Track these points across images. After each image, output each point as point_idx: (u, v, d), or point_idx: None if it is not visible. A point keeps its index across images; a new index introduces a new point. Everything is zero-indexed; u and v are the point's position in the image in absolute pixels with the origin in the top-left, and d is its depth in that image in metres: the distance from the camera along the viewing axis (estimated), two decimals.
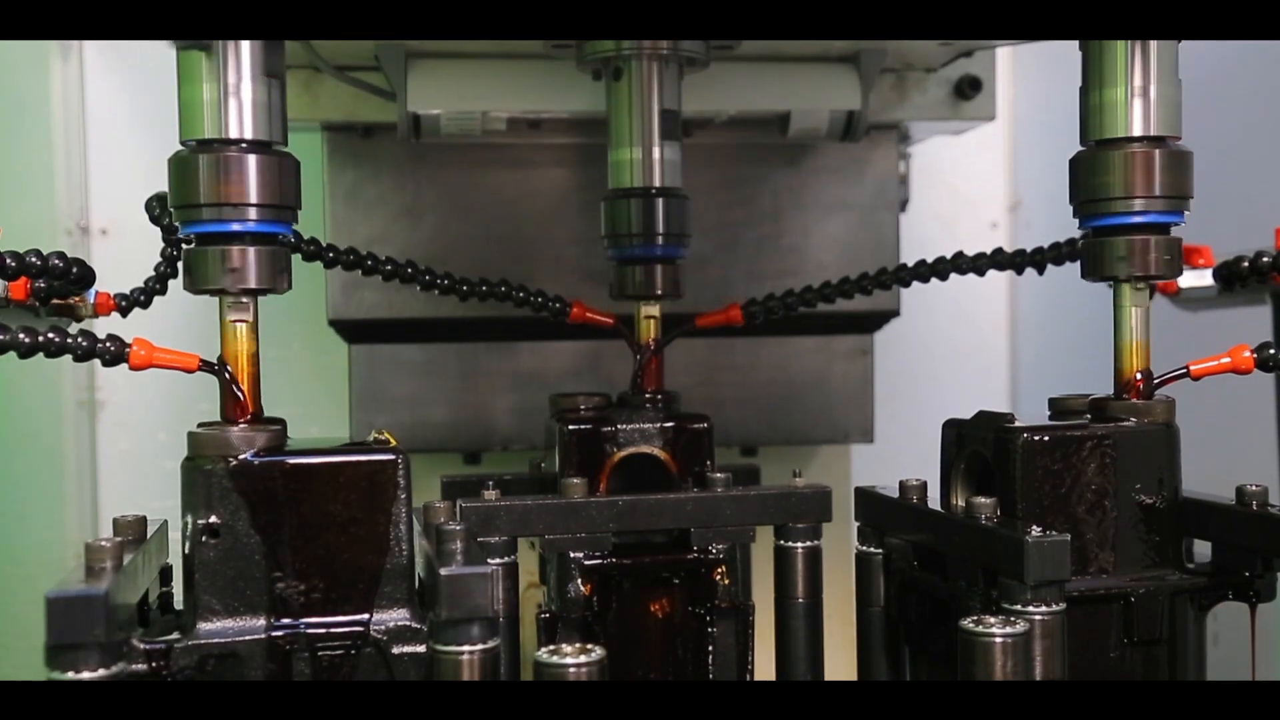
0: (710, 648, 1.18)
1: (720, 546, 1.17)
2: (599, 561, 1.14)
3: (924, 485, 1.14)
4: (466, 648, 0.84)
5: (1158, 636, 1.03)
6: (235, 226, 0.94)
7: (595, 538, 1.13)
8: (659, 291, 1.31)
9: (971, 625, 0.89)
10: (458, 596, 0.84)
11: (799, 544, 1.16)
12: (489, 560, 1.06)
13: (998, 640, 0.88)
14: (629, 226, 1.29)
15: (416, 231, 1.62)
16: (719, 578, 1.17)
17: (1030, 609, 0.92)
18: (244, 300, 0.96)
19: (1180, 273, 1.10)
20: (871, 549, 1.18)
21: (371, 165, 1.61)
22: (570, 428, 1.22)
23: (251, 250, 0.95)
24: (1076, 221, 1.40)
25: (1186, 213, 1.08)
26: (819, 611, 1.18)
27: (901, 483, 1.14)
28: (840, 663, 1.28)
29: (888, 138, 1.69)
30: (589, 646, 0.83)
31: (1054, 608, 0.93)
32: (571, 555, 1.14)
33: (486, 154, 1.62)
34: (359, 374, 1.65)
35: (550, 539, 1.13)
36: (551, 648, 0.83)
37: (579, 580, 1.14)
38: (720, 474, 1.18)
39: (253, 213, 0.94)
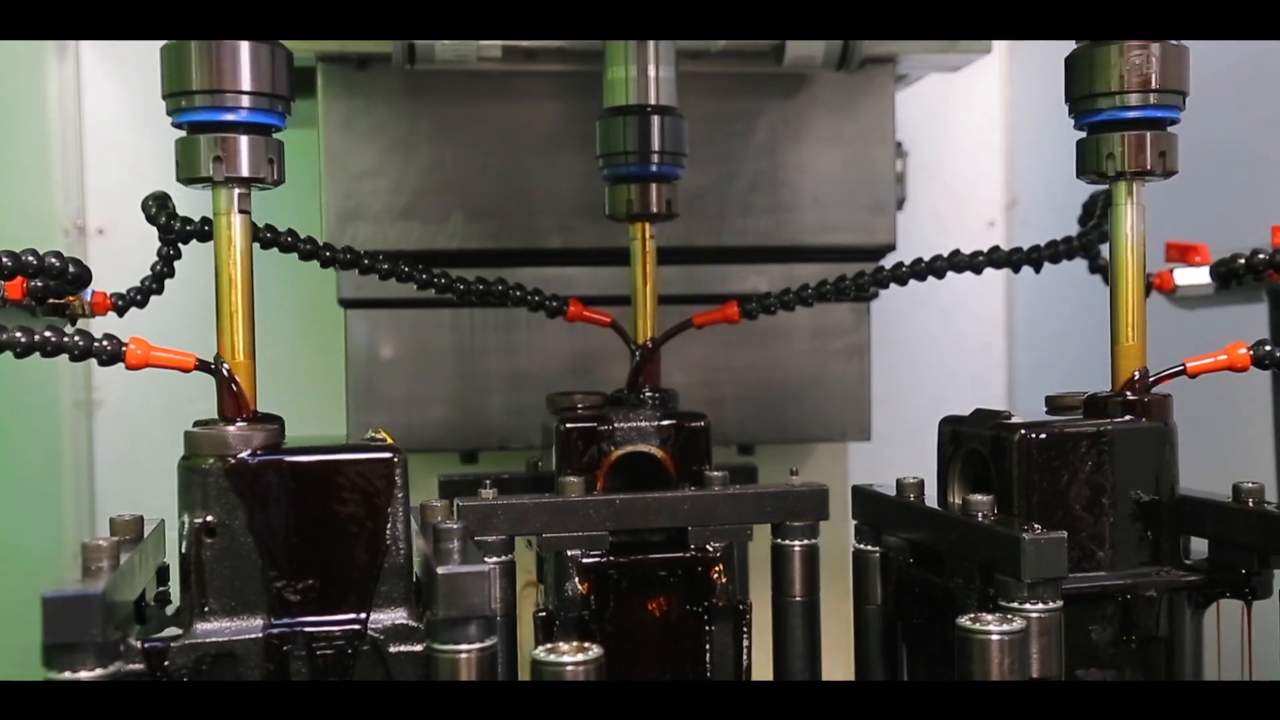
0: (708, 647, 1.18)
1: (717, 545, 1.17)
2: (596, 560, 1.14)
3: (921, 483, 1.14)
4: (464, 646, 0.84)
5: (1155, 634, 1.03)
6: (228, 116, 0.94)
7: (592, 536, 1.13)
8: (655, 209, 1.30)
9: (969, 623, 0.89)
10: (454, 595, 0.84)
11: (796, 542, 1.16)
12: (486, 559, 1.06)
13: (994, 638, 0.88)
14: (624, 144, 1.28)
15: (411, 163, 1.61)
16: (716, 576, 1.17)
17: (1027, 607, 0.92)
18: (237, 192, 0.95)
19: (1175, 170, 1.08)
20: (868, 547, 1.18)
21: (366, 97, 1.60)
22: (567, 426, 1.22)
23: (244, 139, 0.94)
24: (1074, 219, 1.40)
25: (1181, 110, 1.07)
26: (816, 610, 1.18)
27: (898, 481, 1.14)
28: (838, 661, 1.28)
29: (883, 72, 1.68)
30: (586, 645, 0.83)
31: (1051, 605, 0.93)
32: (569, 554, 1.14)
33: (482, 85, 1.61)
34: (356, 373, 1.65)
35: (547, 538, 1.13)
36: (549, 646, 0.83)
37: (576, 579, 1.14)
38: (717, 472, 1.18)
39: (245, 100, 0.93)
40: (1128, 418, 1.06)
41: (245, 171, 0.94)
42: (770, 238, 1.66)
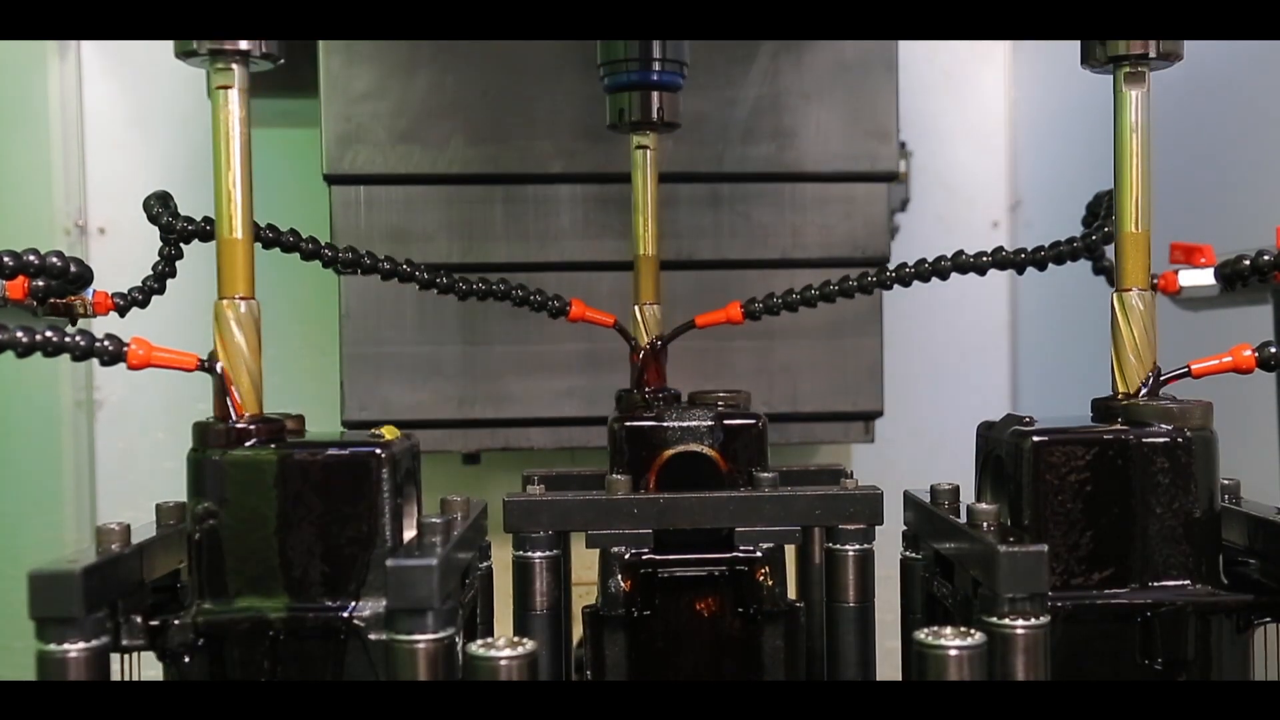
0: (758, 648, 1.17)
1: (765, 546, 1.14)
2: (640, 558, 1.13)
3: (956, 489, 1.08)
4: (418, 637, 0.85)
5: (1184, 658, 0.96)
6: None
7: (636, 534, 1.12)
8: (655, 118, 1.28)
9: (926, 638, 0.84)
10: (400, 587, 0.85)
11: (849, 547, 1.14)
12: (533, 553, 1.10)
13: (952, 654, 0.83)
14: (624, 51, 1.27)
15: (410, 89, 1.59)
16: (762, 578, 1.15)
17: (1006, 622, 0.87)
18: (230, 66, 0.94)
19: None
20: (915, 555, 1.14)
21: None
22: (619, 424, 1.21)
23: None
24: (1078, 220, 1.40)
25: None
26: (870, 616, 1.15)
27: (933, 487, 1.09)
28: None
29: None
30: (521, 640, 0.84)
31: (1035, 622, 0.87)
32: (612, 551, 1.13)
33: None
34: (355, 373, 1.64)
35: (593, 535, 1.12)
36: (485, 641, 0.85)
37: (619, 576, 1.13)
38: (768, 473, 1.16)
39: None
40: (1163, 425, 0.99)
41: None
42: (772, 165, 1.65)
